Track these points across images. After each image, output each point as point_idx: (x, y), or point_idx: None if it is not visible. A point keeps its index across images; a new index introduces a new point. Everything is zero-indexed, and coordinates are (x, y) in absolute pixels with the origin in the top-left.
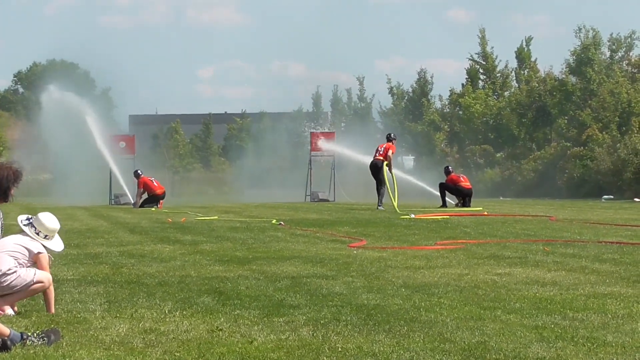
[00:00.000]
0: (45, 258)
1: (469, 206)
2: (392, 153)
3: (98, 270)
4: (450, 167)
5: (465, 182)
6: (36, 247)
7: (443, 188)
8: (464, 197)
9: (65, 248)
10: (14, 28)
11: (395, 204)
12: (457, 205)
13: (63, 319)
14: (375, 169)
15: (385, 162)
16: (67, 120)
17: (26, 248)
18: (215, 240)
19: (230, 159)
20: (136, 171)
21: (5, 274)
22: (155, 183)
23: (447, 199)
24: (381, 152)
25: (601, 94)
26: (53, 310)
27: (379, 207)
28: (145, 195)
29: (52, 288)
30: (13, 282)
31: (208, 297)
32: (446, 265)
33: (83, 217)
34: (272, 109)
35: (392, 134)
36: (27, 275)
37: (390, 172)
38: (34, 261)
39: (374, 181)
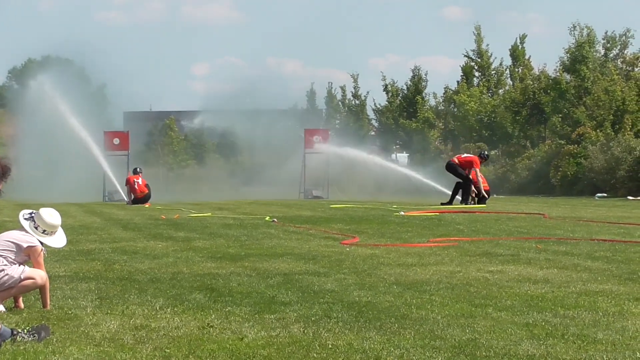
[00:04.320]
0: (36, 251)
1: (484, 204)
2: (475, 166)
3: (90, 266)
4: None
5: (484, 183)
6: (27, 241)
7: (470, 183)
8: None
9: (65, 245)
10: (8, 24)
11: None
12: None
13: (54, 315)
14: (450, 168)
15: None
16: (53, 114)
17: (15, 243)
18: (208, 237)
19: (225, 156)
20: (135, 168)
21: None
22: (136, 186)
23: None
24: (464, 156)
25: (595, 92)
26: (48, 307)
27: (469, 203)
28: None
29: (47, 284)
30: (1, 280)
31: (199, 293)
32: (438, 263)
33: (76, 214)
34: (267, 106)
35: (484, 153)
36: (15, 272)
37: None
38: (27, 255)
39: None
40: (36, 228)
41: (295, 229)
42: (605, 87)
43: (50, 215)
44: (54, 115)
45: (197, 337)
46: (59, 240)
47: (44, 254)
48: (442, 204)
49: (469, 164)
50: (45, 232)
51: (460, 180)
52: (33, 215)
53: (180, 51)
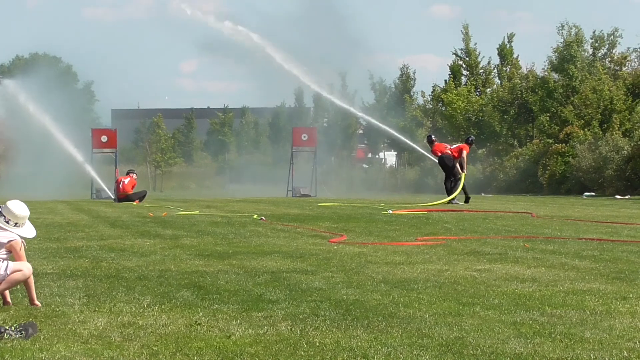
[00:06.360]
0: (17, 244)
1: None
2: (466, 154)
3: (78, 264)
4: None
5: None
6: (6, 236)
7: (458, 181)
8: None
9: (37, 234)
10: None
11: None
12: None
13: (41, 312)
14: (443, 162)
15: (456, 160)
16: (34, 116)
17: None
18: (196, 234)
19: (212, 154)
20: (129, 170)
21: None
22: (121, 185)
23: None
24: (452, 148)
25: (583, 91)
26: (36, 302)
27: (454, 202)
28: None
29: (32, 279)
30: None
31: (187, 291)
32: (426, 261)
33: (64, 211)
34: (255, 104)
35: (471, 138)
36: (0, 269)
37: (463, 170)
38: (8, 250)
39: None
40: (7, 222)
41: (283, 227)
42: (593, 86)
43: (19, 207)
44: (37, 116)
45: (184, 335)
46: (29, 230)
47: (23, 246)
48: (448, 201)
49: (459, 152)
50: (17, 225)
51: (450, 175)
52: (1, 209)
53: (168, 48)
